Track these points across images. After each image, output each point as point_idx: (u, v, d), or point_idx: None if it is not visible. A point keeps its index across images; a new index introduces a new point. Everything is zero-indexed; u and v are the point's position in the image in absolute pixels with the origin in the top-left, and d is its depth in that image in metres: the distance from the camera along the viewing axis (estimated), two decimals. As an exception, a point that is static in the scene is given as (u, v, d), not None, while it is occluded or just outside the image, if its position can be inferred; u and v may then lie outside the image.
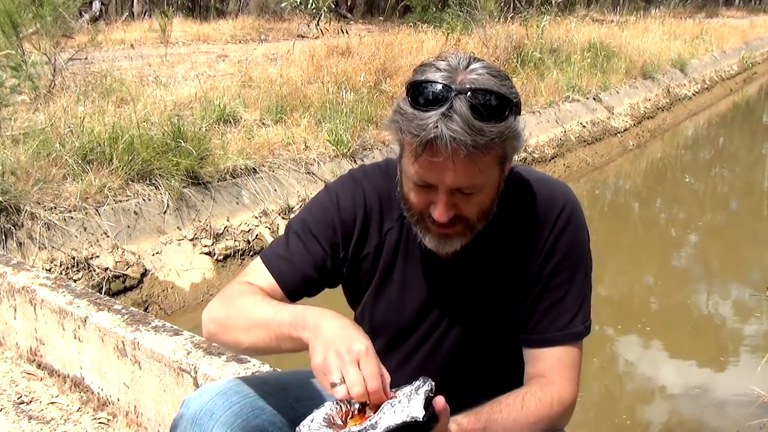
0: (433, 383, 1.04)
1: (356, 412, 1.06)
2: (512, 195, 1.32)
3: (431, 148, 1.12)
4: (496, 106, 1.13)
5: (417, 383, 1.05)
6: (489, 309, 1.35)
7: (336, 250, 1.35)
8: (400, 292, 1.39)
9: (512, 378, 1.32)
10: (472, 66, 1.17)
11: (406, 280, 1.38)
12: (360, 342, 1.07)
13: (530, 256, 1.31)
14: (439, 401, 1.04)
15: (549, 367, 1.29)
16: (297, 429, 1.04)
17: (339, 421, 1.05)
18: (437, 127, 1.10)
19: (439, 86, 1.12)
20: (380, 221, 1.37)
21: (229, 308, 1.29)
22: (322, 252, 1.34)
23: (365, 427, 0.98)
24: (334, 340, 1.08)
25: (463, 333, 1.37)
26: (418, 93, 1.14)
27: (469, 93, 1.11)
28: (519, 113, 1.19)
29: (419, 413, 0.99)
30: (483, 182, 1.18)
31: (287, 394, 1.38)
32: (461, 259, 1.34)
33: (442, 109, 1.10)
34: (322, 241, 1.34)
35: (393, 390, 1.07)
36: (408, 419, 0.99)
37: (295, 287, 1.34)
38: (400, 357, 1.39)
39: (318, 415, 1.06)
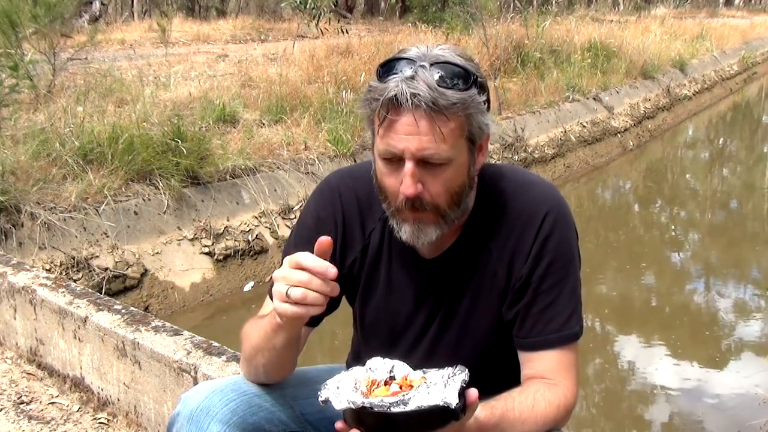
0: (468, 374, 1.03)
1: (382, 384, 1.07)
2: (498, 196, 1.32)
3: (394, 106, 1.15)
4: (459, 75, 1.17)
5: (450, 370, 1.04)
6: (478, 311, 1.35)
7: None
8: (386, 293, 1.39)
9: (507, 379, 1.32)
10: (440, 46, 1.22)
11: (392, 281, 1.38)
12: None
13: (517, 258, 1.30)
14: (472, 394, 1.03)
15: (549, 369, 1.28)
16: (323, 384, 1.05)
17: (364, 388, 1.05)
18: (398, 85, 1.14)
19: (403, 60, 1.18)
20: (362, 224, 1.38)
21: (244, 353, 1.36)
22: None
23: (397, 401, 0.98)
24: None
25: (458, 336, 1.37)
26: (383, 68, 1.19)
27: (432, 64, 1.16)
28: (484, 92, 1.22)
29: (453, 400, 0.99)
30: (449, 153, 1.18)
31: (285, 392, 1.38)
32: (446, 260, 1.34)
33: (407, 75, 1.15)
34: None
35: (421, 373, 1.07)
36: (441, 404, 0.98)
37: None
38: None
39: (345, 378, 1.06)
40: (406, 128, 1.16)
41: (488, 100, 1.24)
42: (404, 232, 1.26)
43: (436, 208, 1.23)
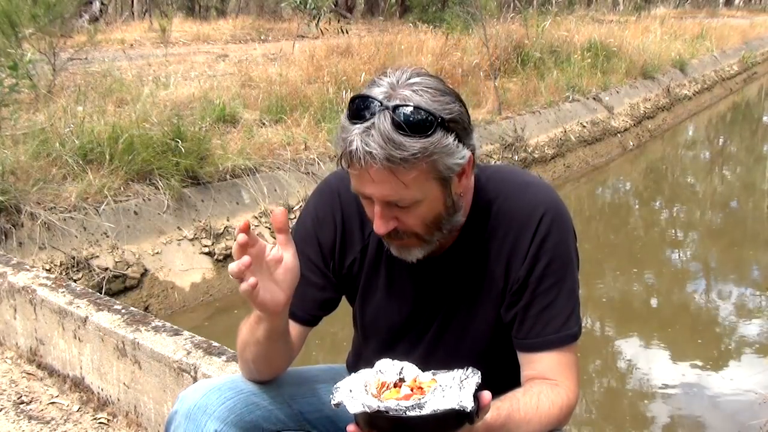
0: (480, 376, 1.04)
1: (392, 386, 1.07)
2: (495, 197, 1.32)
3: (350, 161, 1.15)
4: (421, 121, 1.13)
5: (462, 372, 1.04)
6: (477, 312, 1.35)
7: (326, 263, 1.38)
8: (385, 293, 1.40)
9: (506, 380, 1.32)
10: (412, 80, 1.17)
11: (391, 281, 1.39)
12: None
13: (514, 260, 1.30)
14: (486, 396, 1.04)
15: (550, 370, 1.28)
16: (334, 387, 1.05)
17: (374, 390, 1.06)
18: (354, 140, 1.12)
19: (369, 101, 1.14)
20: (361, 224, 1.38)
21: (237, 350, 1.39)
22: (316, 271, 1.37)
23: (412, 405, 0.99)
24: None
25: (456, 336, 1.37)
26: (351, 107, 1.16)
27: (394, 108, 1.12)
28: (454, 131, 1.17)
29: (469, 403, 0.99)
30: (415, 196, 1.18)
31: (282, 391, 1.39)
32: (444, 261, 1.34)
33: (366, 124, 1.13)
34: (314, 258, 1.37)
35: (431, 375, 1.07)
36: (457, 407, 0.99)
37: (308, 314, 1.38)
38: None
39: (355, 380, 1.06)
40: (367, 178, 1.16)
41: (465, 129, 1.19)
42: (392, 250, 1.30)
43: (415, 235, 1.25)
